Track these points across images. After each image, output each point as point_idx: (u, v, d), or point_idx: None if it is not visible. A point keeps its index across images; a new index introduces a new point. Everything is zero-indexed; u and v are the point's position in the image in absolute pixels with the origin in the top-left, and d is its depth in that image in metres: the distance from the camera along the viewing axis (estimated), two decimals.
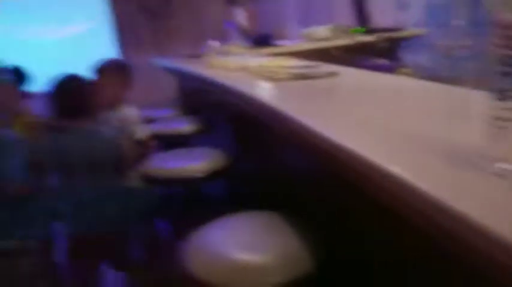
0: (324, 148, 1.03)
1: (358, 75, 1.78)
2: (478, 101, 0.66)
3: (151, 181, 1.90)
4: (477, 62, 2.75)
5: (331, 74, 1.68)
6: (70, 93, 1.81)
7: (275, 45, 3.24)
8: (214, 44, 3.00)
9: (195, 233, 1.23)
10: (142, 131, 2.21)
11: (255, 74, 1.95)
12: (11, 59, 3.09)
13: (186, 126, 2.47)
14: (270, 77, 1.78)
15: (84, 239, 1.72)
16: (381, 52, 2.73)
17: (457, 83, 1.43)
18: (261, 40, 3.20)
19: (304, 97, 1.51)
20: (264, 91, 1.66)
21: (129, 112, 2.23)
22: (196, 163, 1.89)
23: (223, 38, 4.07)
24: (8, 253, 1.61)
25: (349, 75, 1.76)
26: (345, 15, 3.79)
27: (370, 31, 3.22)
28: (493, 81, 0.66)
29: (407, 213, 0.73)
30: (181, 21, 5.96)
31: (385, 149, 0.88)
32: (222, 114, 2.42)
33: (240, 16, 3.90)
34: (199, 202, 2.45)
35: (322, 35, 3.18)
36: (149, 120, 2.51)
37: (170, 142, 2.43)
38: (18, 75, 3.05)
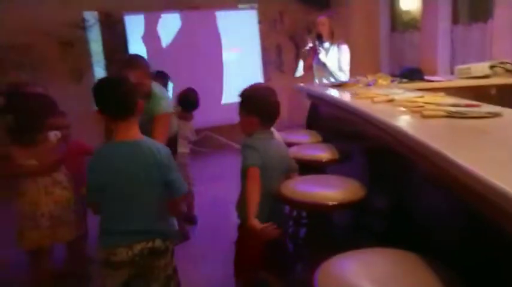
0: (475, 188, 0.95)
1: None
2: None
3: (285, 199, 1.93)
4: None
5: (493, 115, 1.53)
6: (275, 104, 2.02)
7: (424, 80, 3.09)
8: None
9: (328, 261, 1.22)
10: None
11: (402, 108, 1.88)
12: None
13: (322, 153, 2.48)
14: (419, 112, 1.71)
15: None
16: None
17: None
18: (410, 74, 3.08)
19: (458, 135, 1.41)
20: (413, 126, 1.60)
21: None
22: (329, 191, 1.88)
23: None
24: (155, 252, 1.77)
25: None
26: (506, 52, 3.45)
27: None
28: None
29: None
30: None
31: None
32: (360, 145, 2.38)
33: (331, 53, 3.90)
34: (326, 229, 2.43)
35: (480, 72, 2.93)
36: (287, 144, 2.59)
37: (306, 168, 2.46)
38: (187, 102, 3.54)
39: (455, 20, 4.64)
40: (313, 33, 3.99)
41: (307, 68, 4.08)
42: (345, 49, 3.97)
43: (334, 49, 3.96)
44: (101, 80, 1.79)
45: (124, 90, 1.72)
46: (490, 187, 0.90)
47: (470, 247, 1.26)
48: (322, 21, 3.97)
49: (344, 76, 3.91)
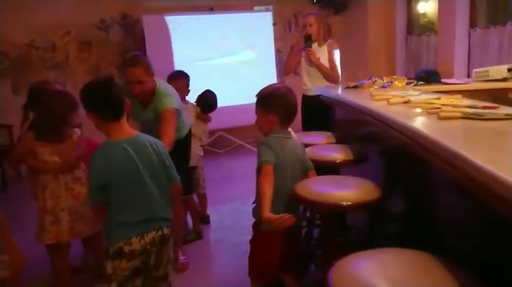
0: (493, 189, 0.94)
1: None
2: None
3: (299, 199, 1.90)
4: None
5: (510, 116, 1.52)
6: (293, 103, 2.06)
7: (441, 83, 3.07)
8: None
9: (342, 260, 1.23)
10: None
11: (418, 109, 1.88)
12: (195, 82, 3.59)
13: (337, 154, 2.48)
14: (436, 113, 1.70)
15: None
16: None
17: None
18: (427, 76, 3.06)
19: (476, 136, 1.40)
20: (429, 126, 1.59)
21: None
22: (344, 191, 1.87)
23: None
24: (163, 239, 1.88)
25: None
26: None
27: None
28: None
29: None
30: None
31: None
32: (376, 146, 2.38)
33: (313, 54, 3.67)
34: (340, 230, 2.42)
35: (498, 75, 2.90)
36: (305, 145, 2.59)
37: (320, 169, 2.47)
38: (204, 103, 3.61)
39: (473, 23, 4.59)
40: (305, 34, 3.75)
41: (291, 68, 3.90)
42: (335, 49, 3.79)
43: (324, 50, 3.77)
44: (90, 83, 1.80)
45: (114, 91, 1.76)
46: (508, 186, 0.90)
47: (488, 249, 1.26)
48: (310, 21, 3.73)
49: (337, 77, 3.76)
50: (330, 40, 3.84)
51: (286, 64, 3.96)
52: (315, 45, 3.74)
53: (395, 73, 5.51)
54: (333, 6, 6.40)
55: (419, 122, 1.66)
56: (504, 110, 1.65)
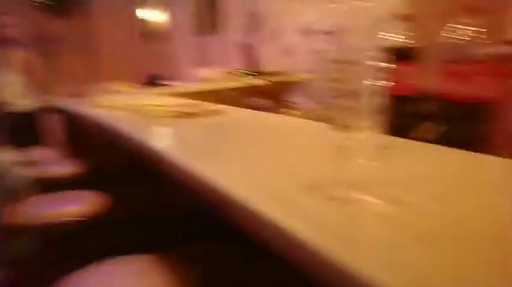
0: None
1: (239, 114, 1.83)
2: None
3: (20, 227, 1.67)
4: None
5: (214, 112, 1.69)
6: None
7: (164, 85, 3.23)
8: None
9: (66, 279, 1.10)
10: None
11: (135, 113, 1.90)
12: None
13: (64, 169, 2.29)
14: (149, 115, 1.76)
15: None
16: (268, 94, 2.85)
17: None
18: (152, 80, 3.17)
19: (183, 132, 1.49)
20: (141, 129, 1.61)
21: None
22: (67, 207, 1.74)
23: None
24: None
25: (232, 113, 1.79)
26: (238, 59, 3.94)
27: (257, 74, 3.37)
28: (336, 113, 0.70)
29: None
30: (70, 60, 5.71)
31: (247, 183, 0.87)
32: (104, 156, 2.30)
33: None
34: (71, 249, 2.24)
35: (215, 77, 3.25)
36: (27, 163, 2.29)
37: (48, 186, 2.23)
38: None
39: (197, 31, 5.04)
40: None
41: None
42: (30, 55, 3.34)
43: (20, 55, 3.24)
44: None
45: None
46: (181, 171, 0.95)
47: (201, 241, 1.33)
48: (5, 22, 3.16)
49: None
50: (23, 45, 3.33)
51: None
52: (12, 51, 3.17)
53: (130, 79, 5.55)
54: (56, 12, 5.95)
55: (130, 124, 1.67)
56: (207, 106, 1.82)
